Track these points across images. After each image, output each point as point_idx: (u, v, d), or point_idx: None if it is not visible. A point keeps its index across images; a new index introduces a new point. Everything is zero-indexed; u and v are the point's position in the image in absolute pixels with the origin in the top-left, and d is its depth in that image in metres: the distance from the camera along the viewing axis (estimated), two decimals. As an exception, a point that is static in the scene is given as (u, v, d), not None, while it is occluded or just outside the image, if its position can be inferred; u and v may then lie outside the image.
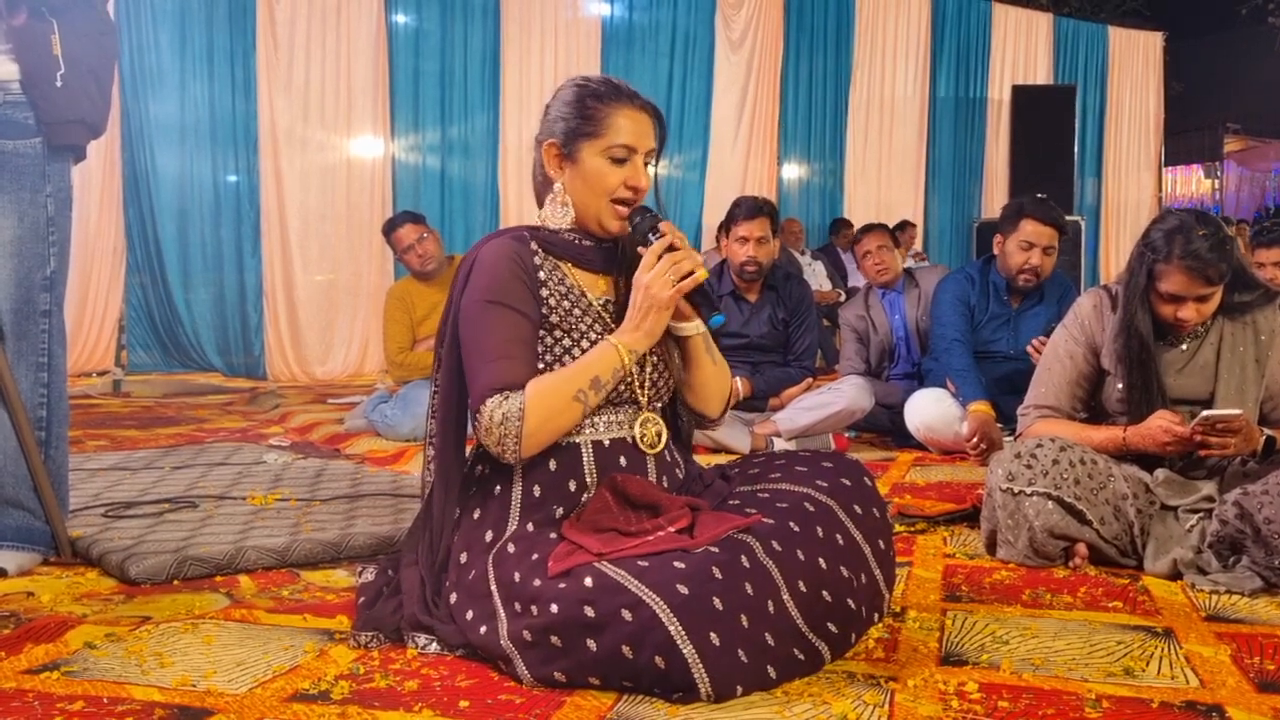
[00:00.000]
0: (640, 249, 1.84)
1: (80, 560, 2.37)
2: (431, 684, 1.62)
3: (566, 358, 1.82)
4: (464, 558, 1.79)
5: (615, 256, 1.93)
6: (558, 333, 1.83)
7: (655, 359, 1.90)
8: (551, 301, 1.84)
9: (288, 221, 7.35)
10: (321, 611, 1.98)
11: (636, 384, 1.87)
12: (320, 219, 7.48)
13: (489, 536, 1.79)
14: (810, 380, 4.31)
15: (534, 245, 1.88)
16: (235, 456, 3.76)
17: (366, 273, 7.56)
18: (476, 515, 1.83)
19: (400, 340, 4.48)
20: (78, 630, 1.85)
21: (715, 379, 1.97)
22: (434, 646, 1.74)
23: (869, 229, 4.82)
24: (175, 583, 2.21)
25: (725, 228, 4.29)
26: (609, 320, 1.87)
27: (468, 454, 1.92)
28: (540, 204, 1.97)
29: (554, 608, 1.57)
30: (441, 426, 1.89)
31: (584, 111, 1.83)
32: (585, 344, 1.83)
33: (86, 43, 2.30)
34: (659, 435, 1.89)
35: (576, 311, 1.85)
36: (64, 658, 1.73)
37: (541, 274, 1.85)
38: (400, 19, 7.73)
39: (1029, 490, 2.31)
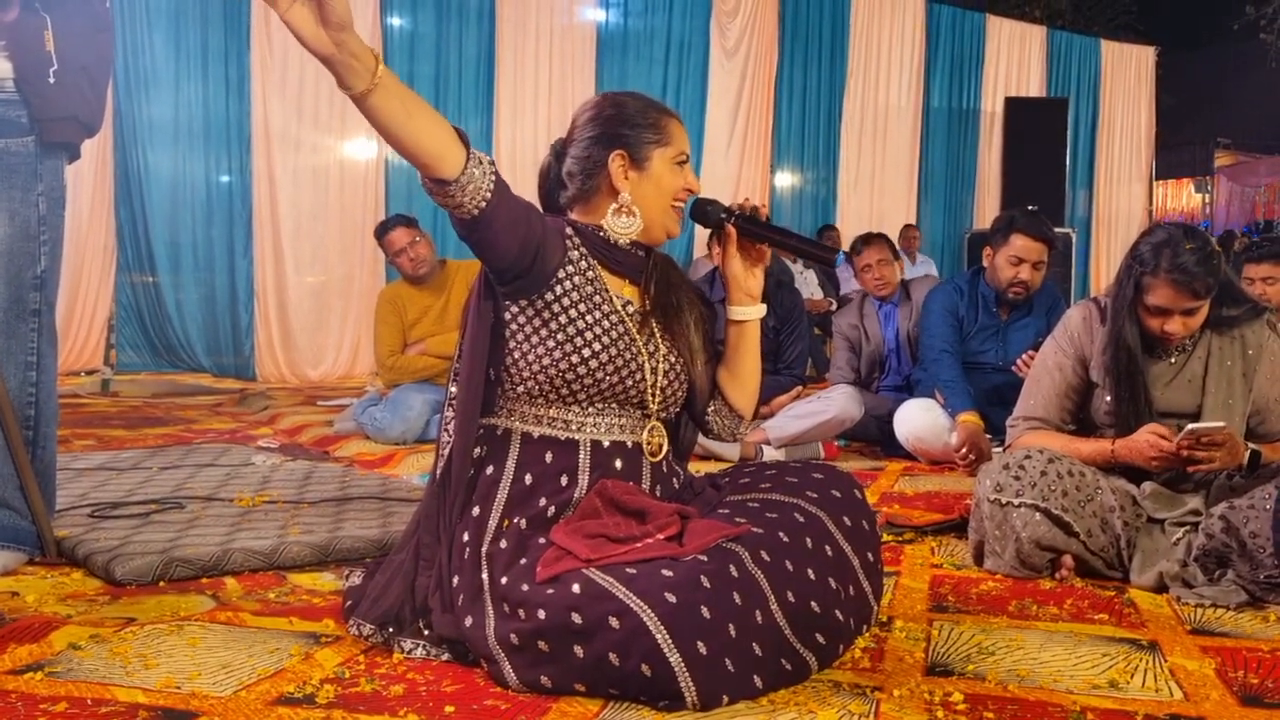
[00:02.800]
0: (727, 227, 1.94)
1: (66, 560, 2.36)
2: (417, 688, 1.61)
3: (579, 339, 1.80)
4: (465, 537, 1.79)
5: (644, 266, 1.94)
6: (573, 313, 1.81)
7: (672, 364, 1.90)
8: (570, 282, 1.83)
9: (280, 223, 7.33)
10: (308, 615, 1.98)
11: (649, 390, 1.87)
12: (312, 220, 7.47)
13: (476, 511, 1.79)
14: (800, 388, 4.32)
15: (570, 231, 1.89)
16: (223, 458, 3.74)
17: (358, 275, 7.55)
18: (473, 497, 1.82)
19: (391, 343, 4.47)
20: (62, 631, 1.84)
21: (757, 371, 2.03)
22: (419, 651, 1.74)
23: (868, 240, 4.66)
24: (161, 584, 2.20)
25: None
26: (628, 320, 1.87)
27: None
28: (548, 207, 1.97)
29: (541, 613, 1.57)
30: (463, 409, 1.84)
31: (650, 121, 1.91)
32: (598, 329, 1.82)
33: (80, 39, 2.30)
34: (661, 446, 1.91)
35: (597, 299, 1.85)
36: (48, 658, 1.72)
37: (572, 254, 1.85)
38: (395, 21, 7.73)
39: (1017, 501, 2.31)
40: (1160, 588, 2.24)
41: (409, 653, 1.74)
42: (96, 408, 5.48)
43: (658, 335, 1.90)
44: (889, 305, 4.62)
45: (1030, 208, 4.49)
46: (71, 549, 2.37)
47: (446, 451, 1.85)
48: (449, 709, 1.53)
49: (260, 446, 4.13)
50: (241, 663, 1.72)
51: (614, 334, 1.83)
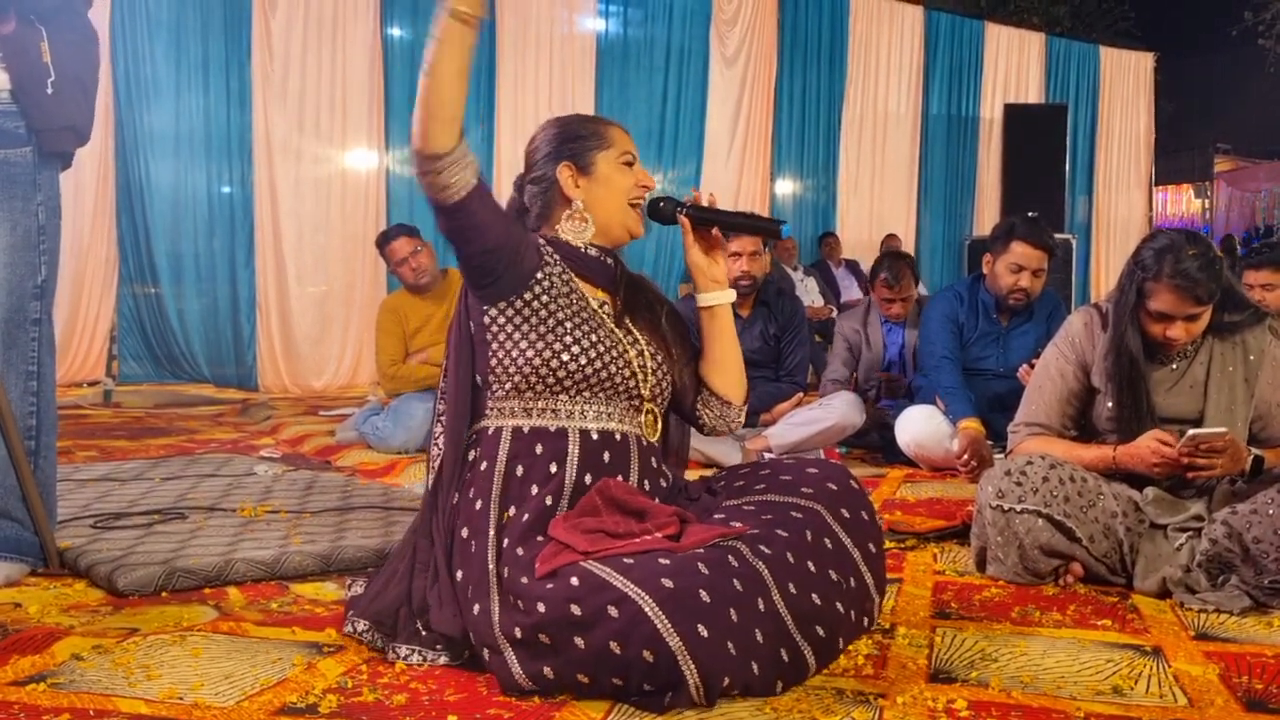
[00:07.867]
0: (680, 219, 1.98)
1: (68, 571, 2.36)
2: (420, 698, 1.61)
3: (559, 329, 1.85)
4: (465, 532, 1.81)
5: (614, 274, 2.00)
6: (552, 307, 1.87)
7: (653, 355, 1.94)
8: (547, 282, 1.89)
9: (281, 233, 7.33)
10: (310, 624, 1.98)
11: (638, 375, 1.89)
12: (314, 231, 7.47)
13: (478, 505, 1.82)
14: (801, 396, 4.32)
15: (542, 243, 1.95)
16: (225, 468, 3.74)
17: (360, 285, 7.55)
18: (471, 493, 1.85)
19: (392, 353, 4.47)
20: (65, 642, 1.84)
21: (738, 356, 2.06)
22: (415, 658, 1.74)
23: (900, 275, 4.46)
24: (164, 594, 2.20)
25: (718, 242, 4.28)
26: (607, 320, 1.92)
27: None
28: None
29: (541, 607, 1.59)
30: (451, 422, 1.90)
31: (589, 129, 1.97)
32: (577, 320, 1.87)
33: (73, 49, 2.32)
34: (656, 425, 1.95)
35: (574, 298, 1.90)
36: (50, 669, 1.72)
37: (548, 259, 1.92)
38: (396, 31, 7.74)
39: (1019, 507, 2.31)
40: (1164, 593, 2.24)
41: (404, 659, 1.74)
42: (99, 419, 5.48)
43: (635, 331, 1.96)
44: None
45: (1030, 214, 4.46)
46: (74, 560, 2.37)
47: (437, 464, 1.91)
48: (452, 718, 1.53)
49: (262, 456, 4.13)
50: (244, 673, 1.71)
51: (591, 325, 1.88)
